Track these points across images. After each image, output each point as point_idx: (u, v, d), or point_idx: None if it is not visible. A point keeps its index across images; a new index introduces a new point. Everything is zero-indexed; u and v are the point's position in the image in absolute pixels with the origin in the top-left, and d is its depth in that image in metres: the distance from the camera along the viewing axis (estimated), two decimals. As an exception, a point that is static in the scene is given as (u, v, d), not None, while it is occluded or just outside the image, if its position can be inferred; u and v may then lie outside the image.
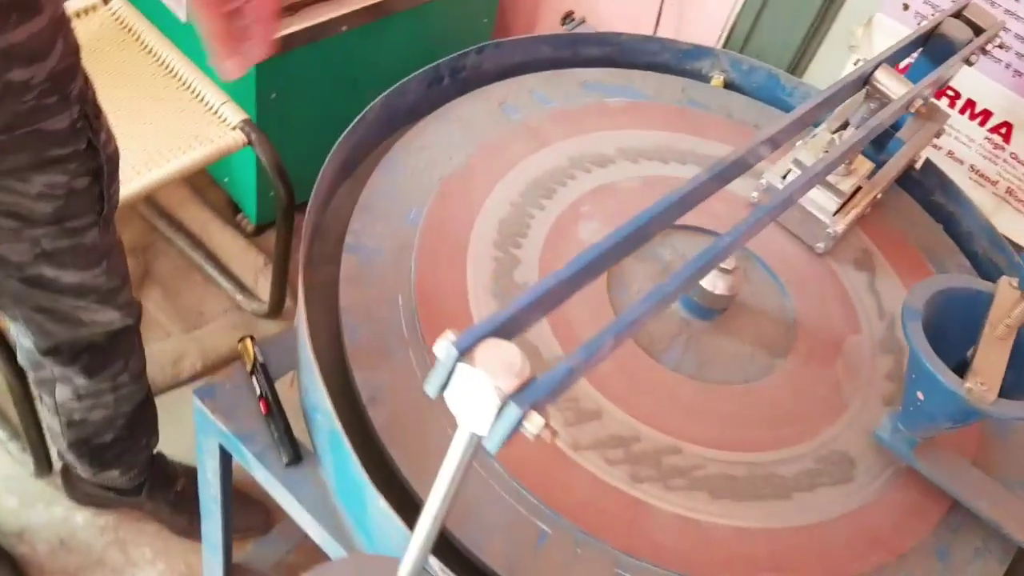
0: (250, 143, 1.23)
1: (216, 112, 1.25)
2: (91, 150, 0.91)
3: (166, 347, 1.48)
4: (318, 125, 1.61)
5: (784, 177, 1.00)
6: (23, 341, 1.08)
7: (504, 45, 1.09)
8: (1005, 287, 0.76)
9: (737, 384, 0.87)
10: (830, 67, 1.48)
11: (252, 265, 1.62)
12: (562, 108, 1.06)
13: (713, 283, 0.89)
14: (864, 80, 0.89)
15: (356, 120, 0.95)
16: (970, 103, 1.30)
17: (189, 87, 1.27)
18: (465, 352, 0.45)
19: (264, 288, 1.60)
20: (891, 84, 0.89)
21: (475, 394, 0.45)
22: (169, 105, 1.24)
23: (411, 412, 0.78)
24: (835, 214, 0.98)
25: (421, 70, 1.02)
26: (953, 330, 0.77)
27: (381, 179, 0.94)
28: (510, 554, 0.72)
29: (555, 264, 0.91)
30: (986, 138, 1.31)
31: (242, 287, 1.60)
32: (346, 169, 0.98)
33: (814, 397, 0.88)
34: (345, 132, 0.93)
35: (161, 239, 1.62)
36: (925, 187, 1.11)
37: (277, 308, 1.55)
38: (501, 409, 0.45)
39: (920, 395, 0.75)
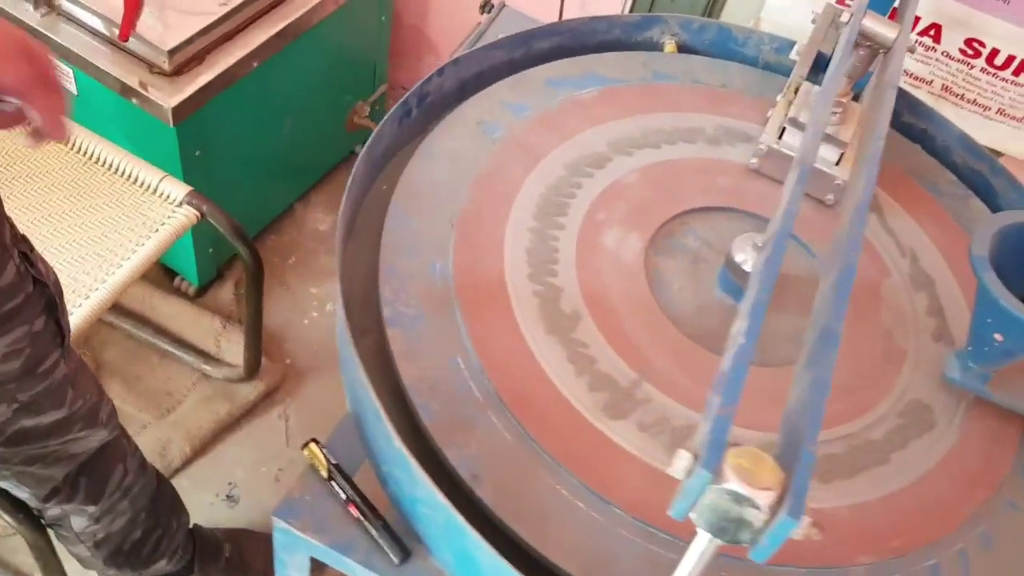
0: (203, 216, 1.14)
1: (156, 191, 1.14)
2: (38, 287, 0.84)
3: (147, 439, 1.39)
4: (245, 168, 1.52)
5: (780, 137, 0.99)
6: (17, 494, 0.99)
7: (460, 61, 1.04)
8: (1053, 214, 0.78)
9: (791, 373, 0.87)
10: (747, 2, 1.48)
11: (208, 330, 1.53)
12: (539, 114, 1.02)
13: (748, 262, 0.88)
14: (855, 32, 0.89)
15: (349, 183, 0.88)
16: (895, 11, 1.33)
17: (118, 170, 1.16)
18: (714, 471, 0.43)
19: (228, 351, 1.51)
20: (881, 30, 0.89)
21: (733, 510, 0.43)
22: (103, 197, 1.13)
23: (516, 480, 0.75)
24: (838, 164, 0.99)
25: (391, 111, 0.96)
26: (1009, 264, 0.79)
27: (393, 238, 0.89)
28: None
29: (596, 284, 0.88)
30: (916, 42, 1.35)
31: (205, 355, 1.51)
32: (349, 230, 0.92)
33: (873, 352, 0.89)
34: (344, 200, 0.87)
35: (104, 327, 1.50)
36: (894, 110, 1.13)
37: (253, 370, 1.47)
38: (768, 522, 0.42)
39: (999, 337, 0.77)
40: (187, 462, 1.43)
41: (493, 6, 1.39)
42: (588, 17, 1.11)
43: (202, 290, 1.59)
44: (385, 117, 0.95)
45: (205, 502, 1.40)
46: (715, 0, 1.51)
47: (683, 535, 0.74)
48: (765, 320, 0.90)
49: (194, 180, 1.32)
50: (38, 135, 0.72)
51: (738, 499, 0.42)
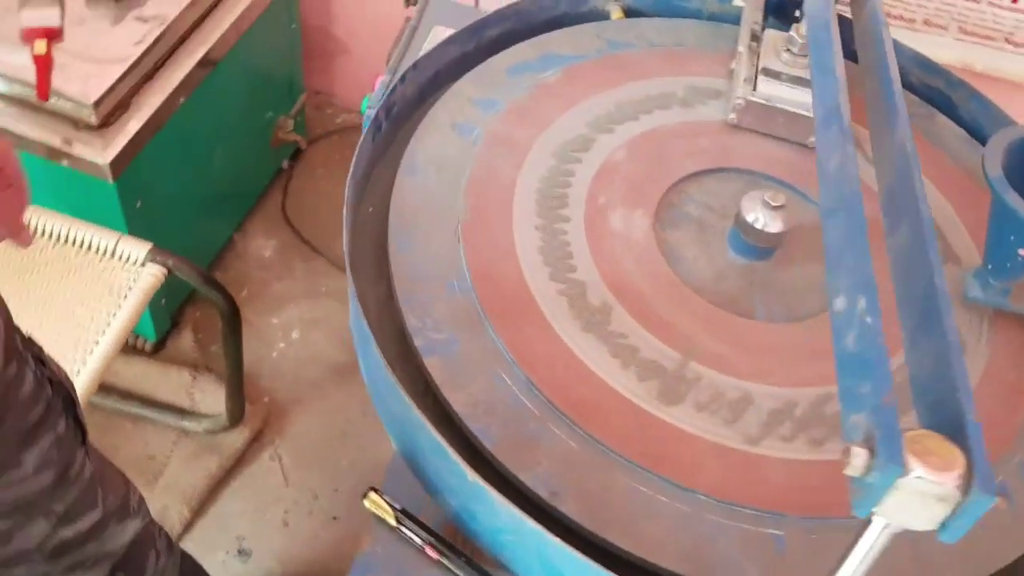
0: (170, 272, 1.07)
1: (115, 255, 1.07)
2: (55, 387, 0.78)
3: (141, 511, 1.31)
4: (183, 209, 1.44)
5: (755, 89, 0.99)
6: None
7: (420, 64, 0.99)
8: (1052, 123, 0.79)
9: (822, 320, 0.87)
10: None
11: (178, 384, 1.45)
12: (510, 106, 0.99)
13: (765, 222, 0.88)
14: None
15: (344, 214, 0.83)
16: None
17: (68, 240, 1.07)
18: (900, 463, 0.42)
19: (203, 402, 1.44)
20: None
21: (923, 498, 0.42)
22: (59, 272, 1.05)
23: (595, 488, 0.73)
24: (815, 105, 0.99)
25: (364, 131, 0.91)
26: (1015, 178, 0.80)
27: (402, 263, 0.85)
28: (770, 573, 0.71)
29: (617, 271, 0.86)
30: (839, -32, 1.36)
31: (181, 411, 1.43)
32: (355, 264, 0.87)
33: (888, 286, 0.90)
34: (344, 234, 0.82)
35: (66, 403, 1.41)
36: (841, 38, 1.13)
37: (238, 418, 1.40)
38: (960, 503, 0.42)
39: (1023, 252, 0.79)
40: (188, 525, 1.36)
41: (417, -2, 1.35)
42: (534, -3, 1.08)
43: (160, 344, 1.51)
44: (361, 139, 0.90)
45: (217, 561, 1.34)
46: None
47: (771, 507, 0.73)
48: (782, 278, 0.90)
49: (138, 232, 1.25)
50: None
51: (928, 486, 0.41)
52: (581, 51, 1.06)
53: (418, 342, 0.80)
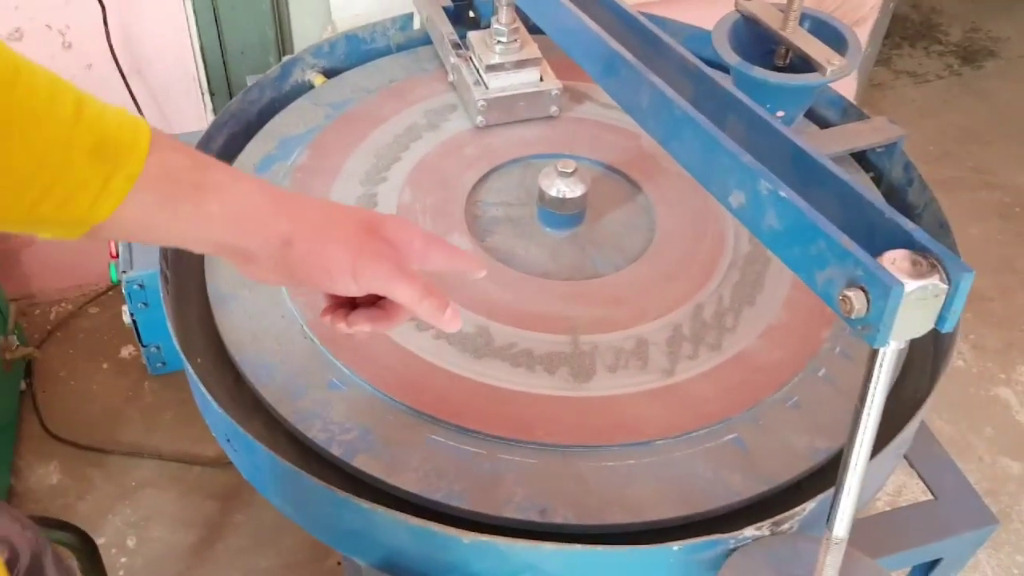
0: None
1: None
2: None
3: None
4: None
5: (487, 88, 1.03)
6: None
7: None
8: (747, 4, 0.91)
9: (655, 249, 0.93)
10: (312, 23, 1.50)
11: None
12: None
13: (562, 190, 0.92)
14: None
15: (202, 392, 0.76)
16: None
17: None
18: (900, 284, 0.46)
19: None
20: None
21: (922, 304, 0.47)
22: None
23: (574, 489, 0.74)
24: (542, 79, 1.05)
25: (167, 306, 0.84)
26: (744, 54, 0.91)
27: (274, 392, 0.79)
28: (749, 471, 0.75)
29: (473, 295, 0.86)
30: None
31: None
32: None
33: (693, 209, 0.97)
34: (215, 408, 0.76)
35: None
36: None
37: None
38: (948, 292, 0.47)
39: (781, 112, 0.90)
40: None
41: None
42: (240, 94, 1.05)
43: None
44: (162, 297, 0.83)
45: None
46: (282, 36, 1.51)
47: (717, 418, 0.78)
48: (599, 236, 0.95)
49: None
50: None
51: (924, 291, 0.46)
52: (312, 124, 1.05)
53: (336, 451, 0.75)
